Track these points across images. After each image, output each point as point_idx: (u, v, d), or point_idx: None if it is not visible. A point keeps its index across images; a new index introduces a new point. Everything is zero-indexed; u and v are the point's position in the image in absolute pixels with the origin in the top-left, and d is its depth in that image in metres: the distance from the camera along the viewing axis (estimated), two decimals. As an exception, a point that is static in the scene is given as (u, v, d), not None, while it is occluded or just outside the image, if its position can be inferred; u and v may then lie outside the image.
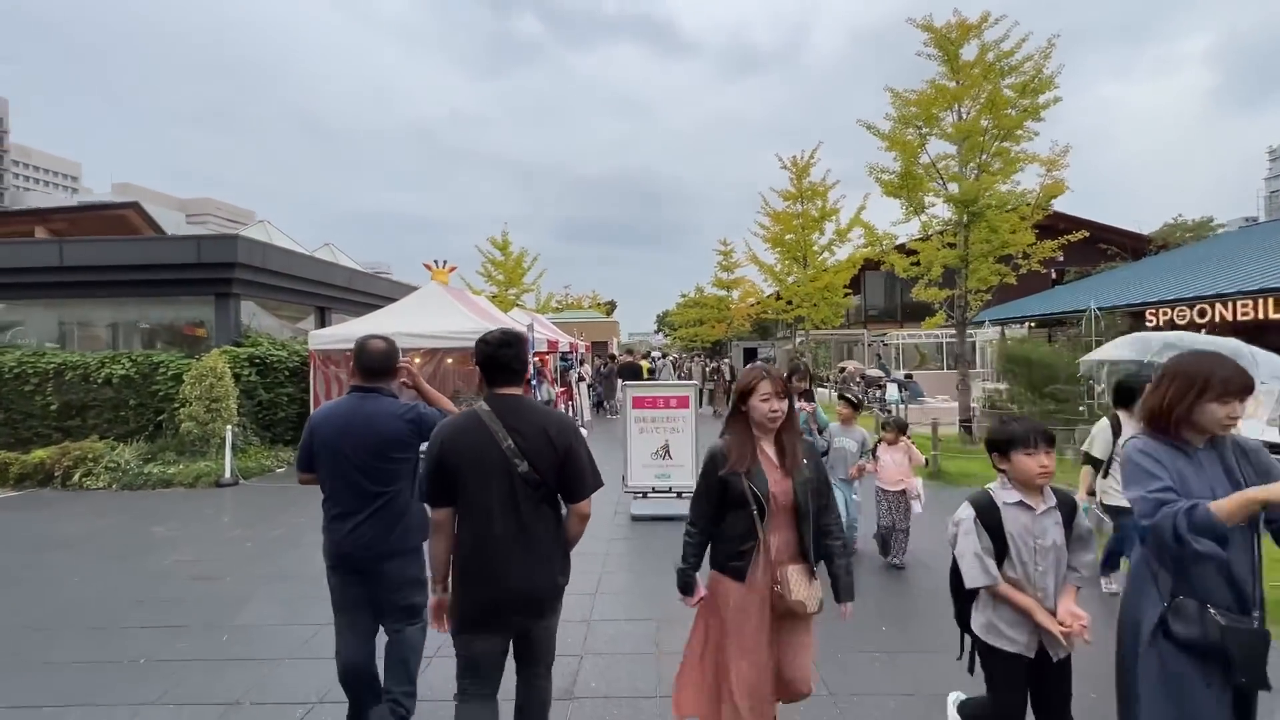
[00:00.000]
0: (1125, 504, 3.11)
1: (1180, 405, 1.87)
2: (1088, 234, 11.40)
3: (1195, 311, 11.65)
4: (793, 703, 2.44)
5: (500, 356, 2.18)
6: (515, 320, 12.17)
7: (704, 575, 2.41)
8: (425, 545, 2.33)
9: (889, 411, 11.99)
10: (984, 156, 9.95)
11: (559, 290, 42.68)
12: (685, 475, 6.74)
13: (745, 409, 2.32)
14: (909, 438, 5.19)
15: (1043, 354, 10.54)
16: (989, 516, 2.16)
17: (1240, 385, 1.82)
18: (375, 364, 2.68)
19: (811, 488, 2.28)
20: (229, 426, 8.76)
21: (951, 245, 10.54)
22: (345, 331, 10.08)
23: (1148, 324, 12.21)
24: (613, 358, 20.50)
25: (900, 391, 14.82)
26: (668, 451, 6.83)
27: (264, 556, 5.50)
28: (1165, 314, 12.20)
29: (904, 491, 4.95)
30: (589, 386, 16.51)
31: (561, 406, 12.20)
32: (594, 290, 50.51)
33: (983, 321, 16.85)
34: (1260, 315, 10.61)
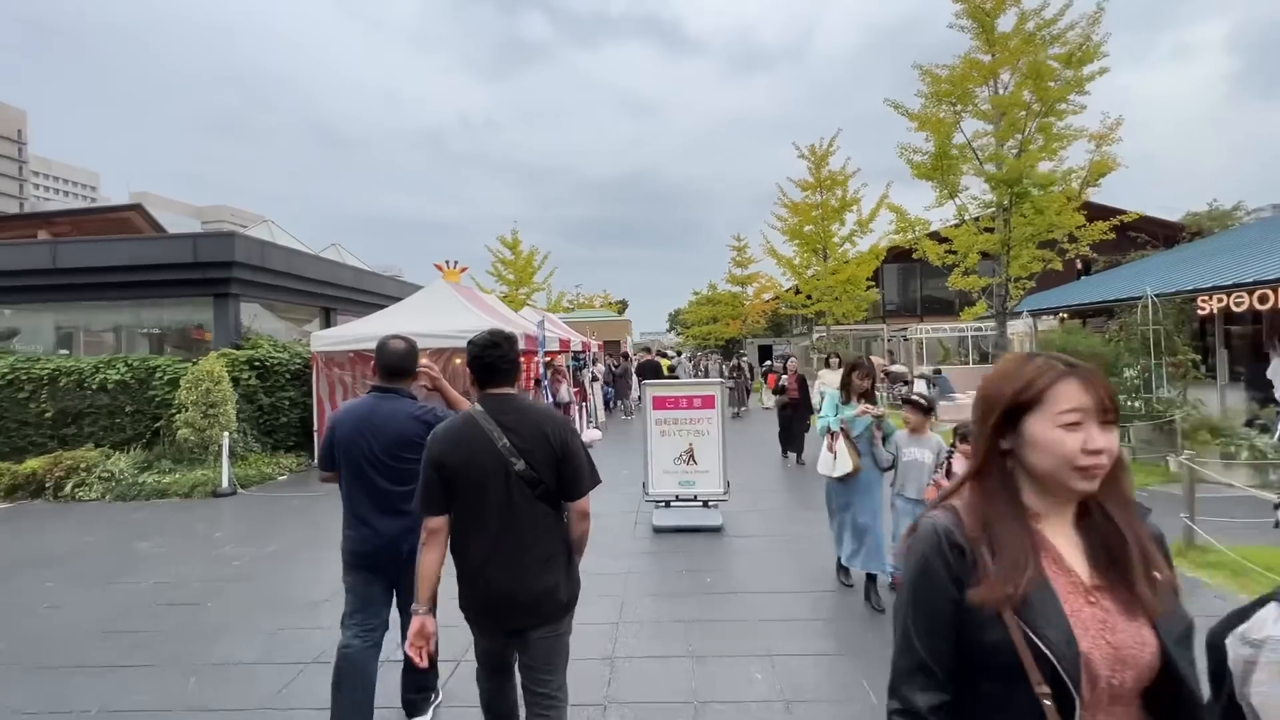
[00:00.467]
0: None
1: None
2: (1140, 215, 10.64)
3: (1255, 298, 10.81)
4: None
5: (487, 358, 2.14)
6: (525, 319, 11.63)
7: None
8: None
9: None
10: (1028, 131, 9.25)
11: (570, 290, 42.34)
12: (712, 482, 6.19)
13: (1009, 448, 1.06)
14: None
15: (1092, 346, 9.79)
16: None
17: None
18: (395, 364, 2.70)
19: (1182, 642, 1.01)
20: (226, 433, 8.32)
21: (989, 230, 9.84)
22: (348, 332, 9.52)
23: (1200, 310, 11.40)
24: (625, 356, 19.97)
25: (930, 388, 14.10)
26: (692, 456, 6.27)
27: (251, 578, 5.01)
28: (1220, 300, 11.36)
29: None
30: (602, 386, 15.99)
31: (576, 408, 11.64)
32: (605, 290, 50.06)
33: (1021, 312, 16.05)
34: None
